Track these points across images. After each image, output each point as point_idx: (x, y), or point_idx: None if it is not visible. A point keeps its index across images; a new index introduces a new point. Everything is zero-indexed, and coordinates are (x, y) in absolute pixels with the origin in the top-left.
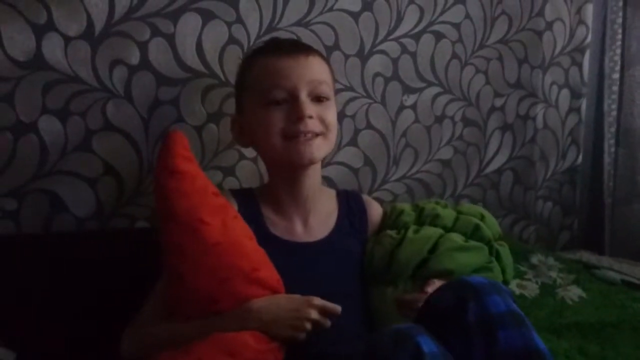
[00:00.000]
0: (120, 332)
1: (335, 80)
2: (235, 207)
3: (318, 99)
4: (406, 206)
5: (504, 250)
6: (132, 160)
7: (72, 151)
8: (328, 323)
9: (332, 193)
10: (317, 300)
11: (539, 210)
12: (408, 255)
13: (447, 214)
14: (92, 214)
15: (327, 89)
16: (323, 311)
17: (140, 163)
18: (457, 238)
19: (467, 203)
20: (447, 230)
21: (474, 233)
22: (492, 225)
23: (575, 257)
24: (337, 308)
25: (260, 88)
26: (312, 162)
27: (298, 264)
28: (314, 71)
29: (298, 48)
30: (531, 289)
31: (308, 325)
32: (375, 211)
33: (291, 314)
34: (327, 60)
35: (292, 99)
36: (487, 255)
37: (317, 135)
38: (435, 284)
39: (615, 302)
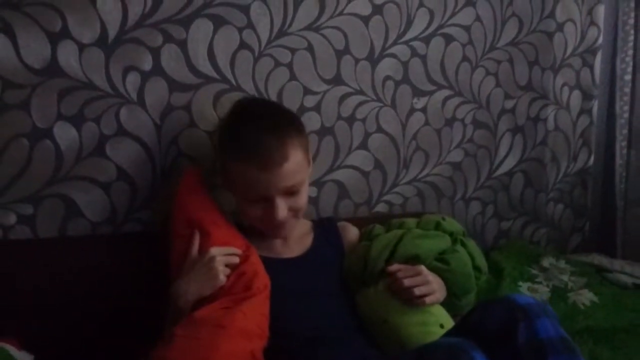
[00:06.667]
0: (134, 334)
1: (307, 147)
2: None
3: (291, 192)
4: (378, 225)
5: (470, 242)
6: (145, 165)
7: (87, 157)
8: (236, 260)
9: (307, 222)
10: (215, 251)
11: (550, 213)
12: (378, 250)
13: (411, 220)
14: (106, 219)
15: (299, 182)
16: (225, 256)
17: (153, 168)
18: (419, 231)
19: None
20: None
21: (436, 229)
22: (453, 224)
23: (587, 259)
24: (236, 250)
25: (238, 186)
26: (283, 238)
27: (282, 275)
28: (288, 179)
29: (274, 158)
30: (542, 292)
31: (221, 276)
32: (349, 231)
33: (203, 276)
34: (300, 137)
35: (268, 201)
36: (450, 241)
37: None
38: (396, 265)
39: (627, 307)
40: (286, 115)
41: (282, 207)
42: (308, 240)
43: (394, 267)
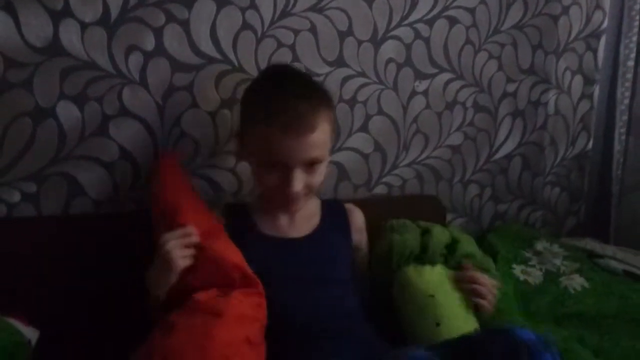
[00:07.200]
0: (136, 312)
1: (335, 124)
2: (222, 220)
3: (312, 164)
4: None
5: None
6: (147, 145)
7: (90, 136)
8: (194, 239)
9: (317, 201)
10: (166, 237)
11: (546, 196)
12: (439, 239)
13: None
14: (108, 197)
15: (321, 157)
16: (181, 238)
17: (155, 148)
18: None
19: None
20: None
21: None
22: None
23: (580, 244)
24: (189, 229)
25: (259, 150)
26: (293, 213)
27: (286, 257)
28: (312, 150)
29: (303, 125)
30: (535, 276)
31: (179, 260)
32: (356, 215)
33: (160, 262)
34: (329, 110)
35: (287, 170)
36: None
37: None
38: (467, 263)
39: (616, 293)
40: (320, 87)
41: (298, 180)
42: (315, 220)
43: (471, 265)
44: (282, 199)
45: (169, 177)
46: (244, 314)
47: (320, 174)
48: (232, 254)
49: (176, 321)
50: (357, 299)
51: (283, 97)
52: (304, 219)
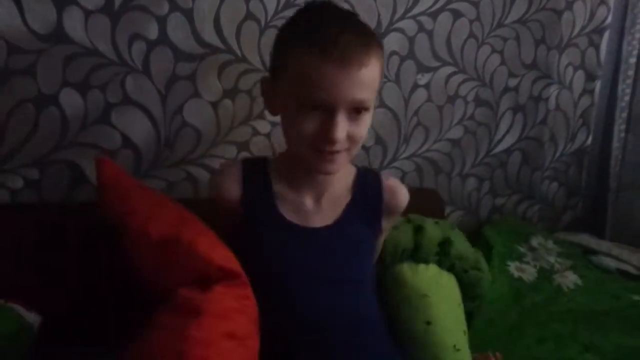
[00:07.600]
0: (137, 299)
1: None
2: (239, 182)
3: (357, 110)
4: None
5: None
6: (150, 133)
7: (92, 124)
8: None
9: (352, 171)
10: None
11: (544, 191)
12: (432, 236)
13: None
14: None
15: (369, 101)
16: None
17: (157, 136)
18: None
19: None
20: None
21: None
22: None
23: (575, 239)
24: None
25: (300, 86)
26: (329, 174)
27: (306, 250)
28: (361, 89)
29: (353, 56)
30: (529, 273)
31: None
32: (397, 198)
33: None
34: (381, 52)
35: (328, 113)
36: None
37: (341, 150)
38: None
39: (608, 291)
40: (368, 25)
41: (342, 125)
42: (343, 204)
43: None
44: (318, 156)
45: (109, 181)
46: (226, 309)
47: (365, 125)
48: (209, 247)
49: (158, 321)
50: (373, 300)
51: (332, 28)
52: (331, 203)
